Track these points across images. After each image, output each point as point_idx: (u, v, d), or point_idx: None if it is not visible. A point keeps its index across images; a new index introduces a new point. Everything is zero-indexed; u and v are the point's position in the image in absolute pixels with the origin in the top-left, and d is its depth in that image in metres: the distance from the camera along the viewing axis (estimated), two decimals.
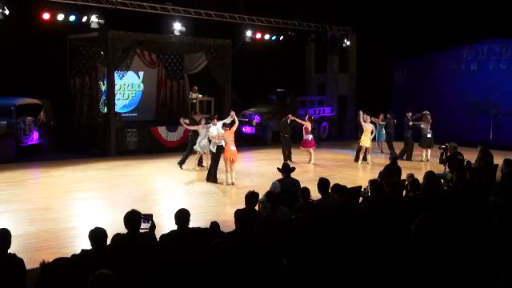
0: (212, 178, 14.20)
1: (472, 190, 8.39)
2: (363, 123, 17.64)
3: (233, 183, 13.78)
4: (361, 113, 18.00)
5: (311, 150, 17.33)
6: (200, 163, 16.26)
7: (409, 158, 18.33)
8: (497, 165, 12.57)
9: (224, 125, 14.37)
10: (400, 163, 12.76)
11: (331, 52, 26.26)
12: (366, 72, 25.58)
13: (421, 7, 22.79)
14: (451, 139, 14.72)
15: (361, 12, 24.19)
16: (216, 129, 14.47)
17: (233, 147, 13.91)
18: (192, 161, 16.06)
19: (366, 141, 17.50)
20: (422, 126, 18.29)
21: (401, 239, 5.53)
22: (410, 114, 18.87)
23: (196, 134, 15.87)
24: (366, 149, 17.60)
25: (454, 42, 22.71)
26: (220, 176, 14.28)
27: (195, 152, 15.94)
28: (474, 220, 6.41)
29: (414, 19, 22.80)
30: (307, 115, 18.15)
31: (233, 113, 14.96)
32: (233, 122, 14.55)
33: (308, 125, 17.22)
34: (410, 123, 18.58)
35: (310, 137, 17.34)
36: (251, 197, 7.24)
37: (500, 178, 10.57)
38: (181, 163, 16.02)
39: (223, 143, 13.97)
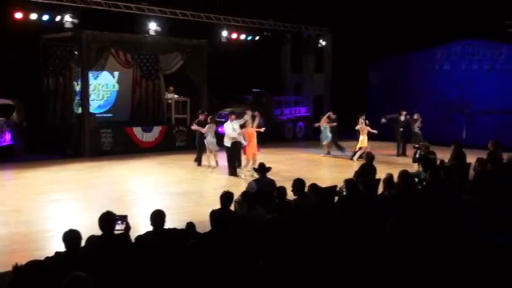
0: (234, 171, 14.77)
1: (445, 189, 8.50)
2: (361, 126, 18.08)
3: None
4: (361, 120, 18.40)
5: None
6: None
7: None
8: (470, 163, 12.74)
9: (241, 126, 14.91)
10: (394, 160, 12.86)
11: (307, 52, 26.39)
12: (341, 72, 25.74)
13: (395, 8, 23.03)
14: (425, 138, 14.95)
15: (336, 12, 24.34)
16: (232, 125, 14.85)
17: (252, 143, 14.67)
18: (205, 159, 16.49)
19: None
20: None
21: (376, 238, 5.58)
22: (405, 112, 19.34)
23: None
24: (361, 148, 17.98)
25: (428, 42, 22.98)
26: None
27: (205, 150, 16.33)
28: (448, 218, 6.49)
29: (388, 19, 23.03)
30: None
31: (257, 113, 15.47)
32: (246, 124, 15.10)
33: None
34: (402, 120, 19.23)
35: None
36: (226, 197, 7.24)
37: (473, 176, 10.71)
38: (198, 162, 16.42)
39: (242, 140, 14.63)
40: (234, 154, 14.87)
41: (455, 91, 22.98)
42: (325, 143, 18.99)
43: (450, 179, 9.28)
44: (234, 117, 15.20)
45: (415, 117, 19.17)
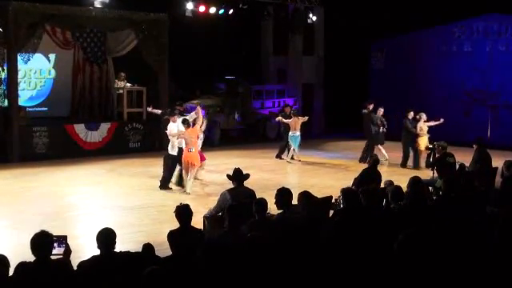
0: (165, 185, 14.61)
1: (466, 200, 8.58)
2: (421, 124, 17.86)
3: (188, 193, 14.11)
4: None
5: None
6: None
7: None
8: (496, 168, 12.88)
9: (184, 121, 14.49)
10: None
11: (293, 30, 26.43)
12: (336, 55, 25.83)
13: None
14: (440, 137, 15.01)
15: None
16: (176, 126, 14.63)
17: (192, 149, 14.22)
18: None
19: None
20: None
21: (380, 261, 5.61)
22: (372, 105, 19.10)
23: None
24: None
25: (443, 17, 23.14)
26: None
27: None
28: (469, 235, 6.55)
29: None
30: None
31: (199, 108, 15.23)
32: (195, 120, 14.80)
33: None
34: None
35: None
36: (182, 211, 7.16)
37: (500, 184, 10.83)
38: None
39: (183, 145, 14.29)
40: (175, 165, 14.71)
41: (478, 78, 23.18)
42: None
43: (471, 187, 9.37)
44: (175, 117, 14.89)
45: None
